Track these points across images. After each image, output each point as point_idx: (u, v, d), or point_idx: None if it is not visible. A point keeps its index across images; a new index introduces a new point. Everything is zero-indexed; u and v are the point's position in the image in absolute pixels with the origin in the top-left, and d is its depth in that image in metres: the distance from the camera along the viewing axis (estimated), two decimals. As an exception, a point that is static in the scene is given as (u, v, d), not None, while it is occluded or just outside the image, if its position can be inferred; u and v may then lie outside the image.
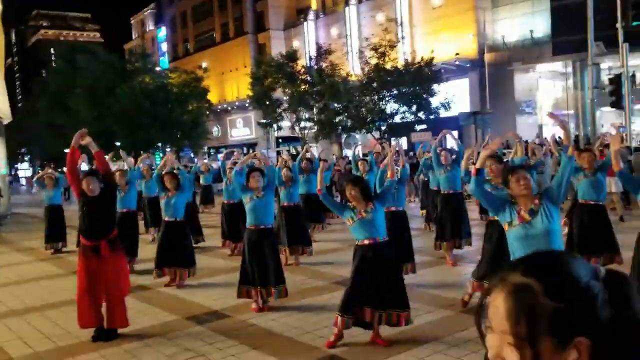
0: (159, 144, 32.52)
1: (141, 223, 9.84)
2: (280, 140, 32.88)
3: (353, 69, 29.23)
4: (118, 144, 28.68)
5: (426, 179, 10.74)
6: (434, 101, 25.31)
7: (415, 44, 30.08)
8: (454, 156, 7.34)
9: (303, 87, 27.86)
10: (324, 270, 7.38)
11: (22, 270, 8.61)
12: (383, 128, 26.65)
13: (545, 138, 14.68)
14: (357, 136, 28.51)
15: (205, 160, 16.22)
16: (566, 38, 21.55)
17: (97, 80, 29.02)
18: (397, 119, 26.40)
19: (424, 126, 25.69)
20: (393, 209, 6.15)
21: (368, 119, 26.12)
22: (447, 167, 7.24)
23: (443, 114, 25.16)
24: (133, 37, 56.85)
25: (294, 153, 23.28)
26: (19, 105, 65.19)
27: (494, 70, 26.34)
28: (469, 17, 28.37)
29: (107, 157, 5.74)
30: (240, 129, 41.86)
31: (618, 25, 13.93)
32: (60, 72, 33.58)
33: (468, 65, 27.84)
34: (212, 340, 4.79)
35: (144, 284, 6.93)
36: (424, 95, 25.00)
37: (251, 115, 38.41)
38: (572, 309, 0.76)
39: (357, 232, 4.47)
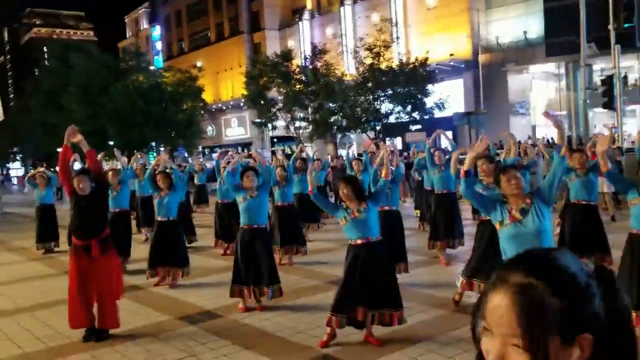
0: (153, 144, 32.40)
1: (133, 223, 9.80)
2: (275, 139, 32.86)
3: (348, 68, 29.25)
4: (111, 143, 28.58)
5: (420, 179, 10.77)
6: (429, 101, 25.39)
7: (410, 44, 30.16)
8: (447, 156, 7.36)
9: (298, 86, 27.86)
10: (318, 270, 7.37)
11: (13, 270, 8.54)
12: (378, 128, 26.69)
13: (538, 139, 14.77)
14: (352, 136, 28.55)
15: (200, 160, 16.20)
16: (559, 39, 21.68)
17: (90, 78, 28.87)
18: (391, 119, 26.46)
19: (418, 126, 25.77)
20: (387, 208, 6.16)
21: (363, 119, 26.16)
22: (441, 167, 7.26)
23: (437, 114, 25.24)
24: (127, 36, 56.60)
25: (289, 153, 23.27)
26: (11, 104, 64.77)
27: (488, 71, 26.45)
28: (464, 18, 28.48)
29: (98, 156, 5.71)
30: (235, 129, 41.79)
31: (610, 26, 14.02)
32: (53, 70, 33.38)
33: (462, 65, 27.94)
34: (204, 340, 4.77)
35: (137, 284, 6.90)
36: (419, 96, 25.07)
37: (246, 115, 38.35)
38: (576, 306, 0.76)
39: (350, 231, 4.47)
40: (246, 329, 5.08)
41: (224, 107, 41.46)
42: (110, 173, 8.10)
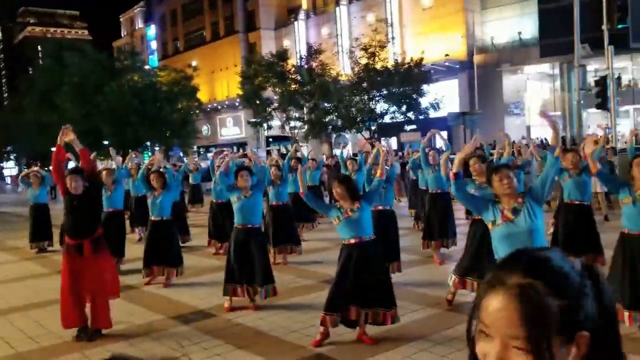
0: (148, 143, 32.30)
1: (127, 222, 9.77)
2: (270, 139, 32.82)
3: (343, 68, 29.27)
4: (106, 142, 28.47)
5: (415, 178, 10.80)
6: (424, 101, 25.44)
7: (406, 44, 30.20)
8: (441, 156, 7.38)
9: (293, 86, 27.84)
10: (313, 269, 7.38)
11: (7, 270, 8.50)
12: (373, 128, 26.72)
13: (531, 139, 14.83)
14: (347, 136, 28.57)
15: (196, 159, 16.15)
16: (554, 40, 21.76)
17: (84, 78, 28.75)
18: (386, 118, 26.49)
19: (413, 126, 25.81)
20: (380, 208, 6.17)
21: (358, 119, 26.18)
22: (435, 167, 7.28)
23: (432, 114, 25.29)
24: (122, 35, 56.41)
25: (284, 152, 23.27)
26: (5, 103, 64.37)
27: (483, 72, 26.54)
28: (459, 19, 28.54)
29: (92, 155, 5.69)
30: (230, 128, 41.71)
31: (604, 27, 14.10)
32: (47, 69, 33.22)
33: (457, 66, 28.01)
34: (197, 340, 4.76)
35: (130, 284, 6.87)
36: (414, 96, 25.11)
37: (241, 115, 38.29)
38: (574, 305, 0.77)
39: (343, 231, 4.47)
40: (239, 328, 5.08)
41: (219, 107, 41.38)
42: (104, 173, 8.07)
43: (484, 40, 28.26)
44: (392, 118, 26.36)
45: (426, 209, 7.65)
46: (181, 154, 32.41)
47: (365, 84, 25.58)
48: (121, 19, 57.35)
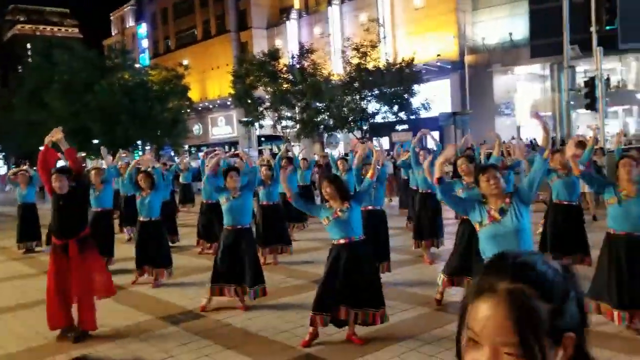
0: (139, 142, 32.10)
1: (116, 222, 9.70)
2: (262, 138, 32.76)
3: (335, 68, 29.27)
4: (96, 141, 28.25)
5: (406, 178, 10.82)
6: (415, 101, 25.51)
7: (398, 44, 30.26)
8: (432, 156, 7.39)
9: (285, 85, 27.81)
10: (303, 269, 7.37)
11: (-6, 270, 8.41)
12: (365, 128, 26.76)
13: (521, 140, 14.92)
14: (339, 135, 28.58)
15: (186, 159, 16.06)
16: (544, 41, 21.90)
17: (74, 76, 28.50)
18: (378, 118, 26.53)
19: (405, 126, 25.87)
20: (370, 208, 6.17)
21: (350, 119, 26.20)
22: (425, 167, 7.29)
23: (424, 114, 25.37)
24: (113, 33, 56.00)
25: (276, 152, 23.24)
26: (-6, 101, 63.50)
27: (474, 72, 26.66)
28: (450, 19, 28.64)
29: (78, 155, 5.64)
30: (222, 127, 41.57)
31: (592, 29, 14.23)
32: (37, 67, 32.90)
33: (449, 66, 28.11)
34: (186, 340, 4.74)
35: (119, 284, 6.76)
36: (405, 96, 25.18)
37: (233, 114, 38.18)
38: (561, 308, 0.77)
39: (333, 231, 4.47)
40: (229, 328, 5.06)
41: (210, 106, 41.22)
42: (92, 172, 8.01)
43: (475, 41, 28.40)
44: (383, 118, 26.40)
45: (416, 209, 7.68)
46: (172, 153, 32.24)
47: (357, 84, 25.60)
48: (112, 17, 56.92)
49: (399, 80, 24.69)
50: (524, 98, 27.32)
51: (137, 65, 35.96)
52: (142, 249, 6.63)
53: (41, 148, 4.95)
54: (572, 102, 16.25)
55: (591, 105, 14.76)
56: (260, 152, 26.23)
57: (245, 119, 30.74)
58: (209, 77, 41.69)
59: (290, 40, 36.03)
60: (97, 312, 4.96)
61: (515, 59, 26.18)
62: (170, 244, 7.98)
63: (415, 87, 25.34)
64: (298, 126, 27.98)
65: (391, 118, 26.23)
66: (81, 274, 4.78)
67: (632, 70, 24.95)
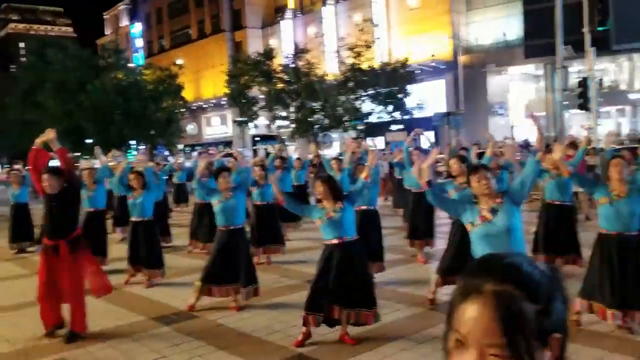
0: (133, 142, 31.96)
1: (110, 222, 9.65)
2: (256, 138, 32.72)
3: (330, 68, 29.28)
4: (90, 141, 28.09)
5: (401, 178, 10.83)
6: (409, 101, 25.57)
7: (392, 44, 30.31)
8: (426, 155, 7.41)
9: (280, 85, 27.78)
10: (296, 269, 7.36)
11: (-15, 271, 8.34)
12: (360, 127, 26.78)
13: (514, 139, 14.97)
14: (334, 135, 28.60)
15: (181, 159, 16.01)
16: (538, 41, 21.99)
17: (67, 75, 28.34)
18: (373, 118, 26.56)
19: (400, 126, 25.92)
20: (364, 208, 6.17)
21: (344, 118, 26.22)
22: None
23: (418, 114, 25.45)
24: (107, 33, 55.73)
25: (270, 152, 23.21)
26: (-13, 100, 63.08)
27: (468, 72, 26.73)
28: (445, 20, 28.71)
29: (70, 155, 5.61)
30: (217, 127, 41.50)
31: (585, 29, 14.31)
32: (30, 66, 32.71)
33: (443, 66, 28.18)
34: (178, 341, 4.72)
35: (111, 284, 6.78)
36: (399, 96, 25.23)
37: (227, 113, 38.11)
38: (547, 309, 0.77)
39: (326, 231, 4.46)
40: (221, 329, 5.04)
41: (205, 106, 41.13)
42: (85, 172, 7.97)
43: (469, 41, 28.48)
44: (378, 118, 26.44)
45: (410, 209, 7.69)
46: (166, 153, 32.14)
47: (351, 84, 25.63)
48: (105, 16, 56.65)
49: (394, 80, 24.73)
50: (518, 98, 27.43)
51: (131, 65, 35.80)
52: (134, 249, 6.60)
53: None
54: (565, 102, 16.32)
55: (584, 106, 14.83)
56: (255, 152, 26.17)
57: (239, 119, 30.70)
58: (204, 77, 41.60)
59: (284, 40, 36.01)
60: (89, 312, 4.94)
61: (509, 60, 26.29)
62: (164, 245, 7.95)
63: (410, 87, 25.40)
64: (292, 126, 27.97)
65: (386, 118, 26.26)
66: (72, 275, 4.75)
67: (625, 71, 25.11)
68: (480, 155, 7.06)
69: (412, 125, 16.56)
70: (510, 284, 0.77)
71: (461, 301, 0.79)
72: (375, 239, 6.32)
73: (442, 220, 8.85)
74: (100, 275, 5.19)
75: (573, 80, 16.66)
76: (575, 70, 21.27)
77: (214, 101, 39.19)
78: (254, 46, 35.71)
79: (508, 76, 27.40)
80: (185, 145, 38.48)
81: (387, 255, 6.66)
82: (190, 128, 40.17)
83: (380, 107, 25.89)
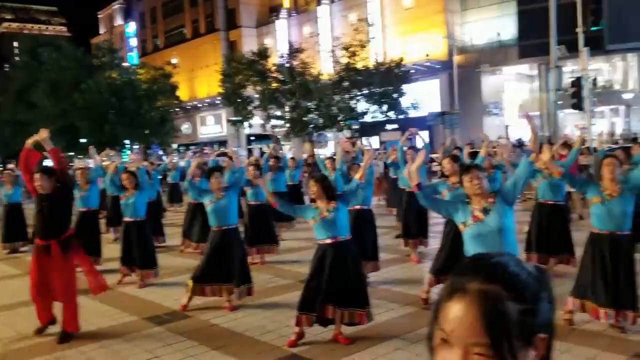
0: (127, 141, 31.85)
1: (103, 222, 9.60)
2: (251, 137, 32.68)
3: (324, 67, 29.28)
4: (84, 140, 27.96)
5: (395, 177, 10.84)
6: (404, 101, 25.61)
7: (387, 44, 30.34)
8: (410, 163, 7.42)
9: (274, 85, 27.75)
10: (289, 269, 7.35)
11: (-23, 271, 8.28)
12: (355, 127, 26.81)
13: (508, 139, 15.03)
14: (329, 135, 28.60)
15: (175, 159, 15.98)
16: (532, 41, 22.11)
17: (61, 74, 28.21)
18: (367, 118, 26.59)
19: (395, 125, 25.96)
20: (358, 207, 6.17)
21: (339, 118, 26.23)
22: (413, 166, 7.30)
23: (413, 113, 25.49)
24: (101, 32, 55.49)
25: (265, 151, 23.18)
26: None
27: (463, 72, 26.81)
28: (439, 19, 28.77)
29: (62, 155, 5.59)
30: (211, 126, 41.41)
31: (578, 29, 14.38)
32: (24, 66, 32.53)
33: (438, 66, 28.24)
34: (171, 341, 4.70)
35: (105, 284, 6.76)
36: (394, 95, 25.27)
37: (222, 113, 38.03)
38: (533, 309, 0.77)
39: (320, 231, 4.46)
40: (214, 329, 5.03)
41: (199, 105, 41.03)
42: (79, 172, 7.92)
43: (464, 41, 28.55)
44: (373, 117, 26.46)
45: (403, 208, 7.70)
46: (160, 152, 32.04)
47: (346, 83, 25.64)
48: (100, 16, 56.41)
49: (388, 79, 24.76)
50: (512, 98, 27.54)
51: (125, 64, 35.66)
52: (127, 249, 6.57)
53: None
54: (559, 102, 16.40)
55: (578, 105, 14.91)
56: (250, 152, 26.13)
57: (234, 118, 30.63)
58: (198, 76, 41.50)
59: (279, 39, 35.98)
60: (81, 312, 4.92)
61: (504, 59, 26.39)
62: (157, 245, 7.92)
63: (404, 86, 25.44)
64: (287, 125, 27.95)
65: (380, 117, 26.30)
66: (64, 275, 4.73)
67: (619, 71, 25.25)
68: (473, 155, 7.07)
69: (407, 124, 16.59)
70: (496, 283, 0.77)
71: (447, 300, 0.80)
72: (370, 238, 6.32)
73: (436, 220, 8.86)
74: (95, 274, 5.17)
75: (567, 80, 16.74)
76: (569, 70, 21.38)
77: (209, 100, 39.10)
78: (248, 46, 35.64)
79: (502, 76, 27.51)
80: (179, 145, 38.40)
81: (381, 255, 6.66)
82: (185, 127, 40.04)
83: (375, 107, 25.91)
